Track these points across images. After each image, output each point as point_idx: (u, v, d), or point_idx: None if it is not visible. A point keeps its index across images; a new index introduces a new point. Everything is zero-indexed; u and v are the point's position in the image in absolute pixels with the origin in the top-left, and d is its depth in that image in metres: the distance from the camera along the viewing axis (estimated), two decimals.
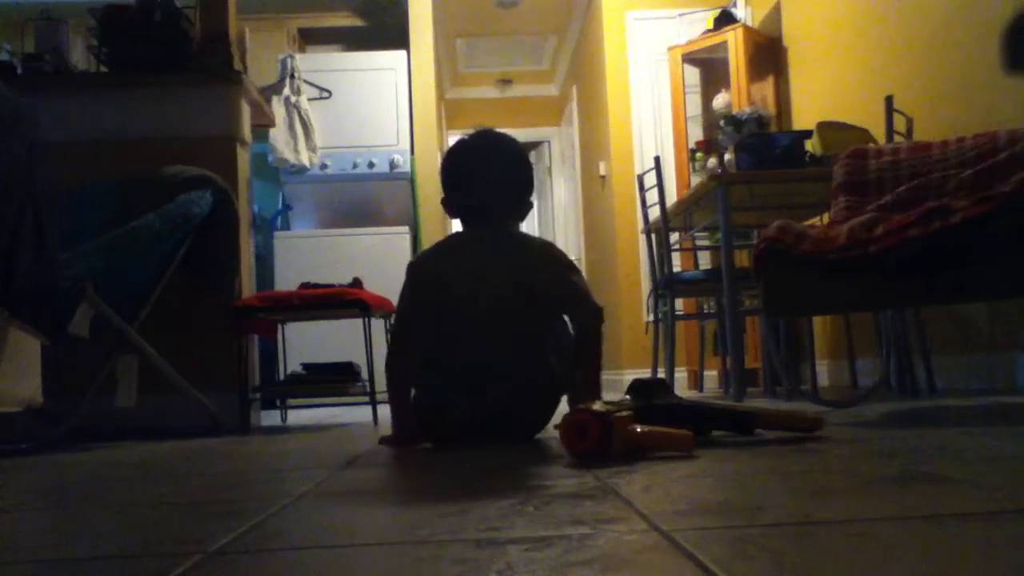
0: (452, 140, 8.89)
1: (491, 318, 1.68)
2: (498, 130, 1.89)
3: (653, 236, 3.87)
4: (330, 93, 5.27)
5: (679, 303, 4.22)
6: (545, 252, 1.79)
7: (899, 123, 3.17)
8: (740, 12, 5.01)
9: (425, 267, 1.78)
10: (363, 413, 3.41)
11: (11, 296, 2.05)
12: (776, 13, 4.79)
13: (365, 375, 2.98)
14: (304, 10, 5.88)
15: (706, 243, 4.31)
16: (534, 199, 1.89)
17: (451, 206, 1.82)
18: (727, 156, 3.55)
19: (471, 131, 1.93)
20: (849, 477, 1.02)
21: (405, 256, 4.78)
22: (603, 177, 5.85)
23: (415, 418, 1.74)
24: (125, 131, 2.99)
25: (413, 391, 1.76)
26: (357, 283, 3.06)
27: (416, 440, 1.71)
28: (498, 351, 1.66)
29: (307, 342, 4.10)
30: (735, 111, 4.15)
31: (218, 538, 0.77)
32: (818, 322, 4.11)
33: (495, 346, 1.67)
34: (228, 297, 2.89)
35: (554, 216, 7.94)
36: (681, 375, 4.75)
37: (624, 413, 1.28)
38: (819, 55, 4.31)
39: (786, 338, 3.55)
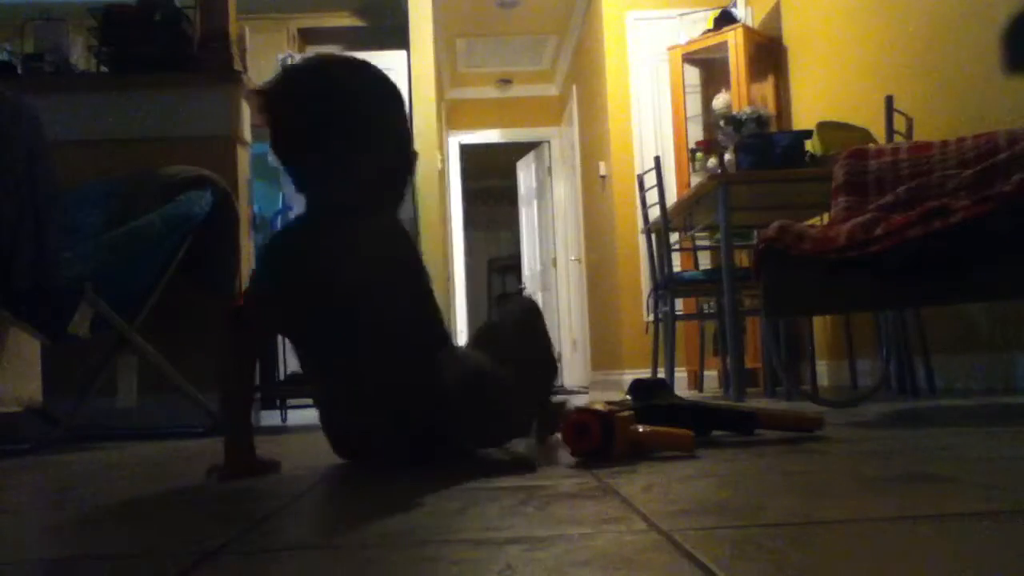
0: (452, 140, 8.77)
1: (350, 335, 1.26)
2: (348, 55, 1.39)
3: (653, 236, 3.87)
4: None
5: (679, 303, 4.22)
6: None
7: (899, 123, 3.17)
8: (740, 12, 5.01)
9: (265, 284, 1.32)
10: None
11: (11, 295, 2.05)
12: (776, 13, 4.79)
13: None
14: (304, 10, 5.88)
15: (706, 243, 4.32)
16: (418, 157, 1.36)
17: (287, 163, 1.33)
18: (727, 156, 3.55)
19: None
20: (849, 477, 1.02)
21: None
22: (603, 177, 5.85)
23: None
24: (125, 131, 2.99)
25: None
26: None
27: (255, 469, 1.28)
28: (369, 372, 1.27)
29: None
30: (735, 111, 4.15)
31: (218, 538, 0.77)
32: (818, 322, 4.11)
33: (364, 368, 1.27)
34: (228, 297, 2.89)
35: (554, 216, 7.94)
36: (681, 375, 4.75)
37: (625, 413, 1.28)
38: (819, 55, 4.31)
39: (786, 338, 3.55)
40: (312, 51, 6.01)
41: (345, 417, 1.31)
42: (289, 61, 5.13)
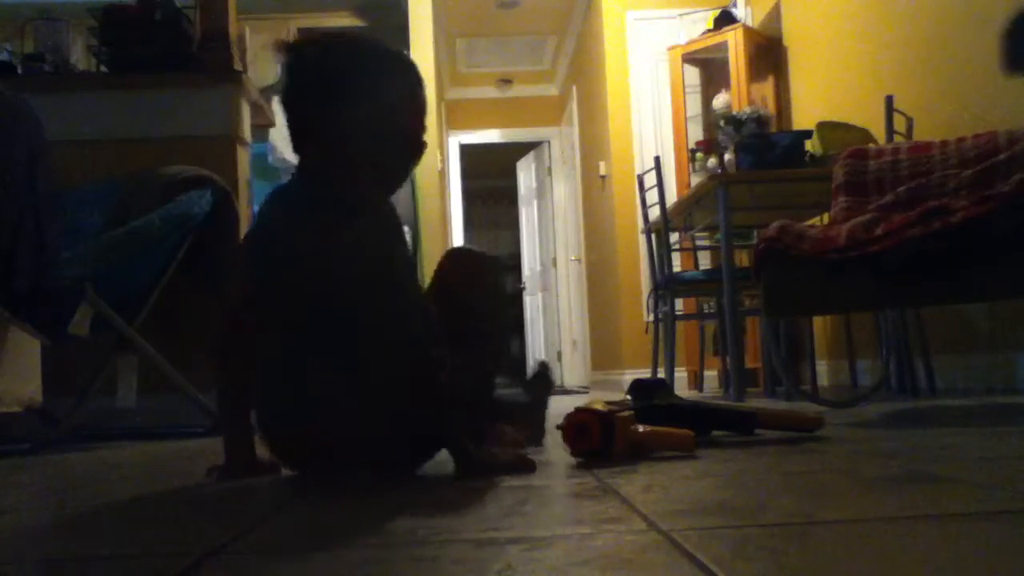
0: (452, 140, 8.76)
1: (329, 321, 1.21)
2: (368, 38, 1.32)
3: (653, 236, 3.87)
4: None
5: (679, 303, 4.22)
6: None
7: (899, 123, 3.17)
8: (740, 12, 5.01)
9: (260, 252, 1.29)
10: None
11: (11, 295, 2.05)
12: (776, 13, 4.79)
13: None
14: (304, 10, 5.88)
15: (706, 243, 4.32)
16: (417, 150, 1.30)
17: (292, 124, 1.31)
18: (727, 156, 3.55)
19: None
20: (849, 477, 1.02)
21: None
22: (603, 177, 5.85)
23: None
24: (125, 131, 2.99)
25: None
26: None
27: (255, 469, 1.27)
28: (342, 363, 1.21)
29: None
30: (735, 111, 4.15)
31: (218, 538, 0.77)
32: (818, 322, 4.11)
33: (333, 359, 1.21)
34: (227, 297, 2.88)
35: (554, 216, 7.94)
36: (681, 375, 4.75)
37: (625, 413, 1.28)
38: (819, 55, 4.31)
39: (786, 338, 3.55)
40: None
41: (339, 421, 1.23)
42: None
